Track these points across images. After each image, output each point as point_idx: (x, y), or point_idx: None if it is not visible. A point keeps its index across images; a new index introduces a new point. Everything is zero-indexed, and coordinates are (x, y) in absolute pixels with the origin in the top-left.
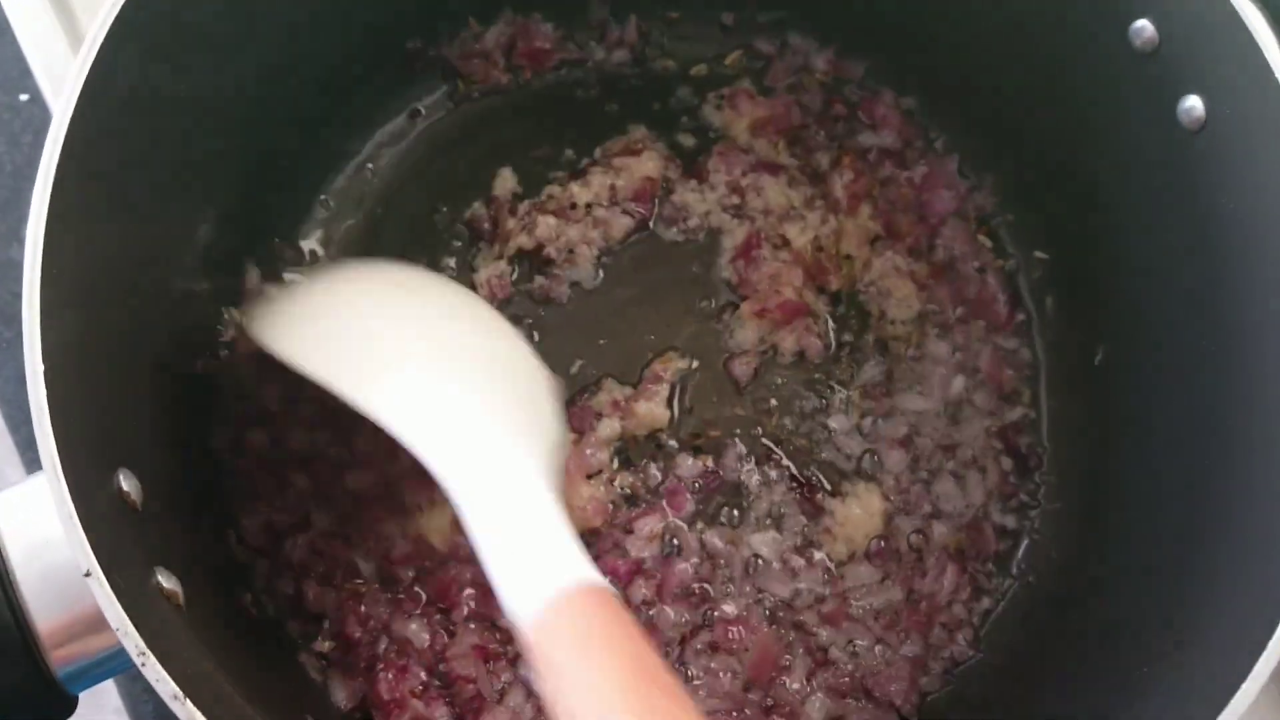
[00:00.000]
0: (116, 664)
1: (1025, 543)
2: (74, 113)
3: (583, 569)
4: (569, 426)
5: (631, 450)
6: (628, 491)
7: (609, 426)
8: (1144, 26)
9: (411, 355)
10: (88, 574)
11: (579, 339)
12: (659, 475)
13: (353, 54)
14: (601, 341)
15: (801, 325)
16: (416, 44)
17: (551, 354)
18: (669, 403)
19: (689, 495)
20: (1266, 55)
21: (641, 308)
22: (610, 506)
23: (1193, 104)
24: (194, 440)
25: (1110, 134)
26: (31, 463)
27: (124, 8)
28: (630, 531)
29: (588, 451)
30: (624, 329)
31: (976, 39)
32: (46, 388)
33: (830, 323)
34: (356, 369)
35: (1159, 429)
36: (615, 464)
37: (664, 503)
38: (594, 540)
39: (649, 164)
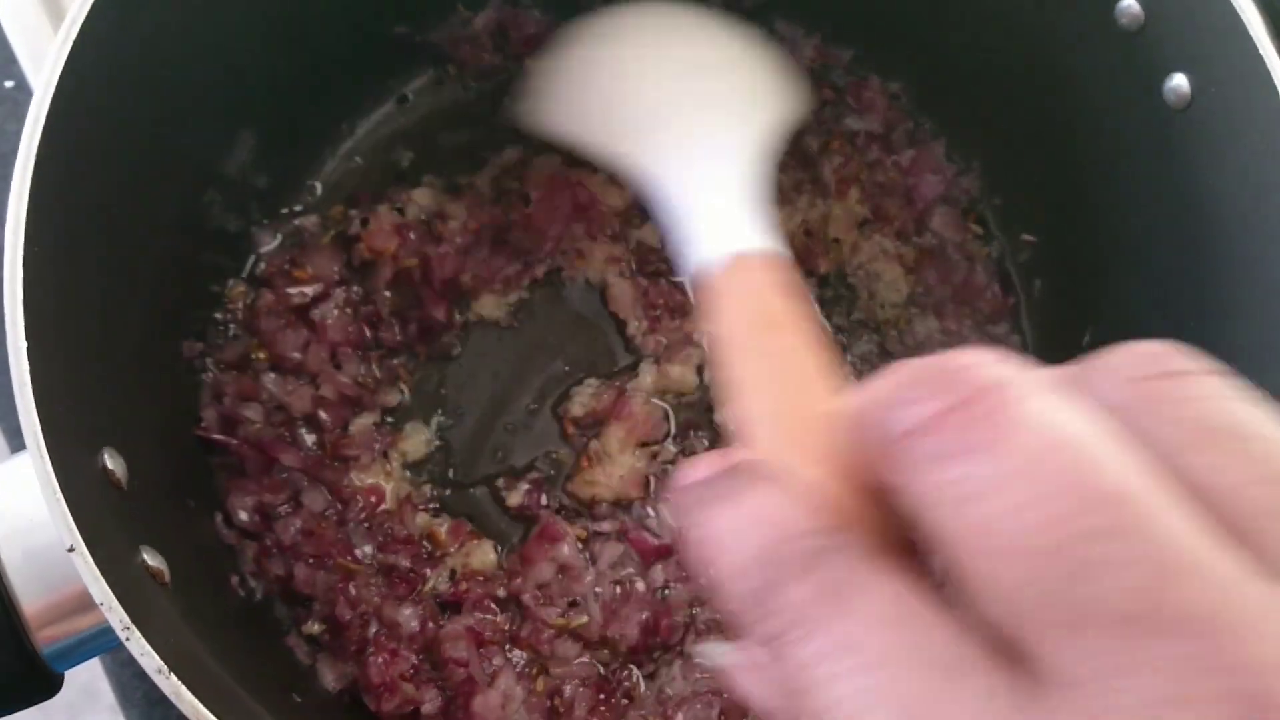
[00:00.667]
0: (102, 642)
1: None
2: (56, 87)
3: (766, 239)
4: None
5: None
6: (670, 465)
7: (648, 373)
8: (1129, 5)
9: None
10: (71, 549)
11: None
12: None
13: (338, 40)
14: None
15: None
16: (404, 29)
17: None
18: (699, 371)
19: None
20: (1251, 33)
21: None
22: (650, 479)
23: (1178, 82)
24: (180, 421)
25: (1095, 113)
26: (19, 447)
27: None
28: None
29: (637, 405)
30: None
31: (960, 20)
32: (29, 364)
33: (818, 305)
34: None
35: None
36: (670, 430)
37: None
38: (625, 510)
39: None
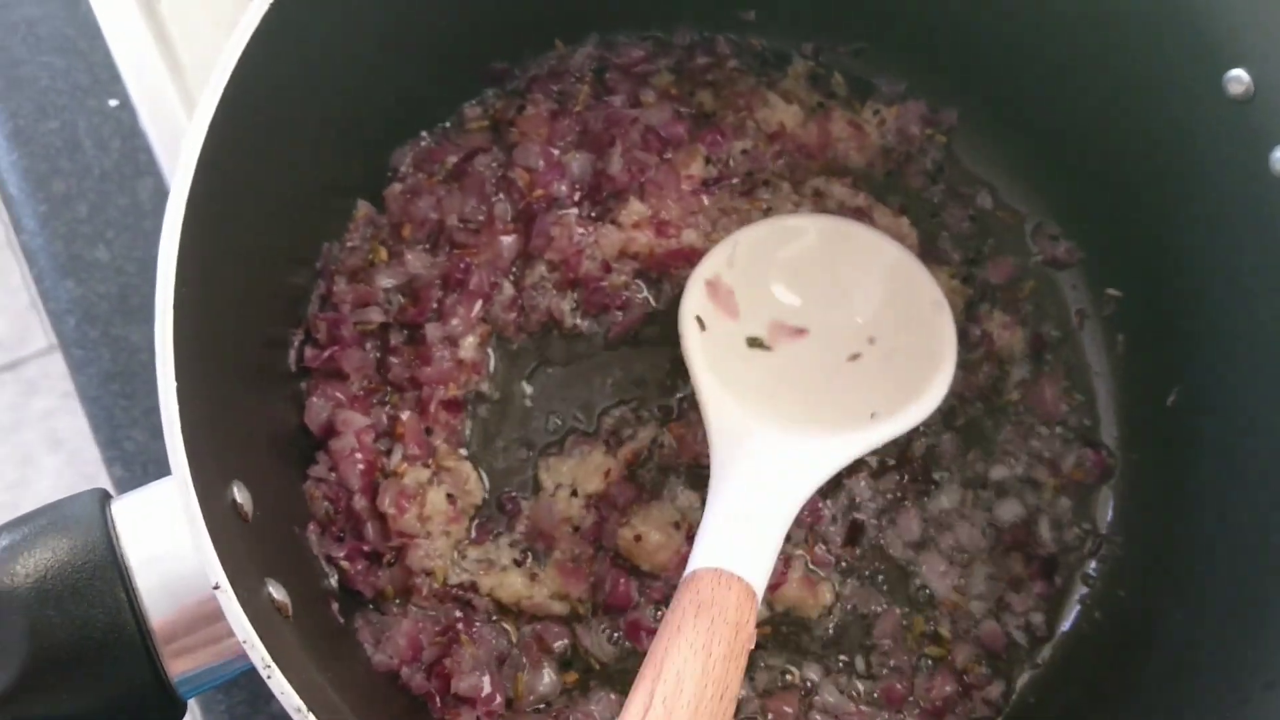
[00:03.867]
0: (228, 671)
1: (1093, 581)
2: (199, 154)
3: (728, 561)
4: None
5: None
6: None
7: None
8: (1239, 76)
9: None
10: (216, 587)
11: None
12: None
13: (436, 81)
14: None
15: None
16: (502, 65)
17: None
18: None
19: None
20: None
21: None
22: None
23: None
24: (287, 448)
25: (1199, 178)
26: (113, 461)
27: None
28: None
29: None
30: None
31: (1069, 86)
32: (179, 403)
33: None
34: None
35: (1235, 468)
36: None
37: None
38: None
39: (791, 114)
